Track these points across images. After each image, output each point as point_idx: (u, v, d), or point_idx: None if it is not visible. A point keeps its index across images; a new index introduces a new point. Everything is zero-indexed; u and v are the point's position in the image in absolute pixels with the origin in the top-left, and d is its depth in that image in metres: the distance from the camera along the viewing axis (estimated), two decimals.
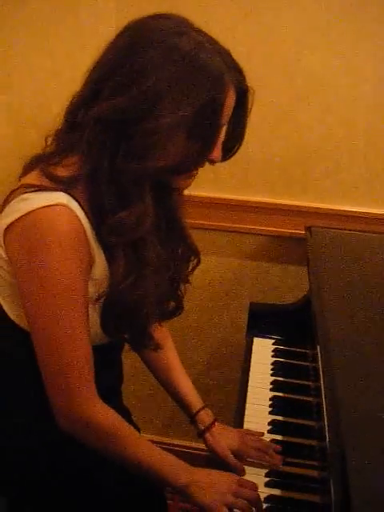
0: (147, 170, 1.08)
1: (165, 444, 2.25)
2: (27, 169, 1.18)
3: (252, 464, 1.32)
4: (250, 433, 1.39)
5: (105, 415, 1.18)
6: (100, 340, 1.21)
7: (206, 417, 1.41)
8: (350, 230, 1.98)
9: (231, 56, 1.12)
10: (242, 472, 1.30)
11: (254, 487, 1.22)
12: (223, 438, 1.37)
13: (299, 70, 1.98)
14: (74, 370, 1.13)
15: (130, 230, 1.10)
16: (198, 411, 1.41)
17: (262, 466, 1.31)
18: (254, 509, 1.17)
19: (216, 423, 1.40)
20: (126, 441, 1.19)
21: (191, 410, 1.42)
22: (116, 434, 1.18)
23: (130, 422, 1.44)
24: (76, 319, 1.11)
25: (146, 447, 1.20)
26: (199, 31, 1.10)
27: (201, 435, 1.40)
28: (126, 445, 1.18)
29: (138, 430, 1.42)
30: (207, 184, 2.04)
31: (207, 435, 1.39)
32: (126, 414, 1.44)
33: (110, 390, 1.34)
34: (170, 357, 1.45)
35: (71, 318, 1.10)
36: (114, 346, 1.31)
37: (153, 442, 1.36)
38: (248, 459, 1.34)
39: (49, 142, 1.19)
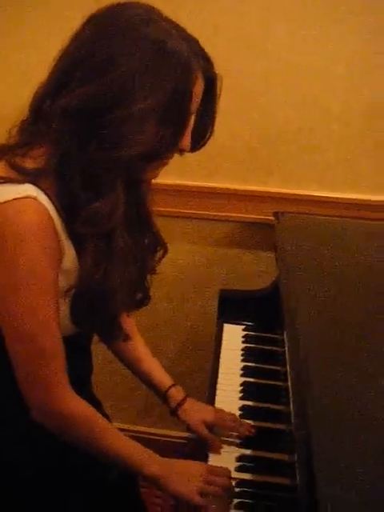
0: (120, 158, 1.07)
1: (135, 432, 2.26)
2: None
3: (225, 442, 1.35)
4: (222, 410, 1.42)
5: (78, 406, 1.18)
6: (69, 331, 1.21)
7: (176, 393, 1.42)
8: (318, 215, 2.00)
9: (199, 44, 1.12)
10: (216, 444, 1.33)
11: (226, 473, 1.24)
12: (196, 413, 1.39)
13: (264, 52, 1.99)
14: (47, 360, 1.12)
15: (103, 221, 1.10)
16: (169, 388, 1.42)
17: (234, 445, 1.34)
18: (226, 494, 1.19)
19: (187, 399, 1.42)
20: (99, 432, 1.20)
21: (161, 388, 1.43)
22: (89, 425, 1.19)
23: (101, 412, 1.44)
24: (48, 310, 1.10)
25: (118, 438, 1.21)
26: (167, 19, 1.10)
27: (173, 412, 1.41)
28: (99, 435, 1.19)
29: (108, 419, 1.42)
30: (175, 172, 2.04)
31: (179, 411, 1.40)
32: (96, 404, 1.44)
33: (80, 380, 1.34)
34: (138, 346, 1.45)
35: (43, 308, 1.10)
36: (82, 336, 1.31)
37: (124, 430, 1.36)
38: (222, 438, 1.35)
39: (13, 133, 1.17)
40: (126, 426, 2.08)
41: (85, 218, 1.09)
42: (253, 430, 1.37)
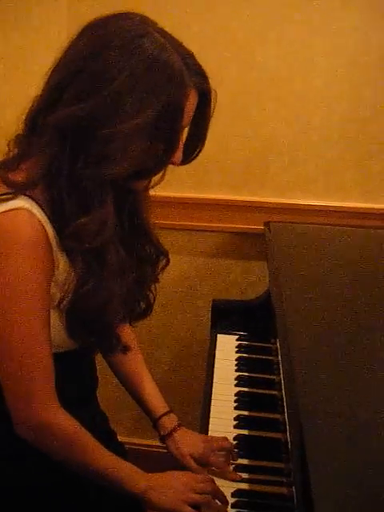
0: (108, 175, 1.07)
1: (134, 444, 2.25)
2: None
3: (215, 474, 1.28)
4: (215, 439, 1.35)
5: (64, 421, 1.16)
6: (69, 346, 1.20)
7: (168, 422, 1.37)
8: (308, 224, 2.01)
9: (193, 57, 1.10)
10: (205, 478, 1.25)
11: (209, 479, 1.21)
12: (185, 444, 1.33)
13: (254, 65, 2.01)
14: (34, 374, 1.12)
15: (91, 237, 1.09)
16: (161, 416, 1.38)
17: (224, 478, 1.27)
18: (216, 500, 1.17)
19: (179, 428, 1.36)
20: (85, 448, 1.17)
21: (154, 415, 1.39)
22: (74, 441, 1.17)
23: (107, 427, 1.43)
24: (36, 324, 1.10)
25: (104, 454, 1.18)
26: (161, 31, 1.08)
27: (162, 441, 1.37)
28: (84, 452, 1.17)
29: (114, 434, 1.41)
30: (165, 183, 2.02)
31: (168, 441, 1.35)
32: (103, 419, 1.43)
33: (85, 395, 1.34)
34: (136, 360, 1.43)
35: (31, 322, 1.09)
36: (85, 351, 1.30)
37: (123, 442, 1.35)
38: (212, 468, 1.30)
39: (11, 147, 1.16)
40: (121, 439, 2.07)
41: (71, 232, 1.08)
42: (239, 477, 1.27)
